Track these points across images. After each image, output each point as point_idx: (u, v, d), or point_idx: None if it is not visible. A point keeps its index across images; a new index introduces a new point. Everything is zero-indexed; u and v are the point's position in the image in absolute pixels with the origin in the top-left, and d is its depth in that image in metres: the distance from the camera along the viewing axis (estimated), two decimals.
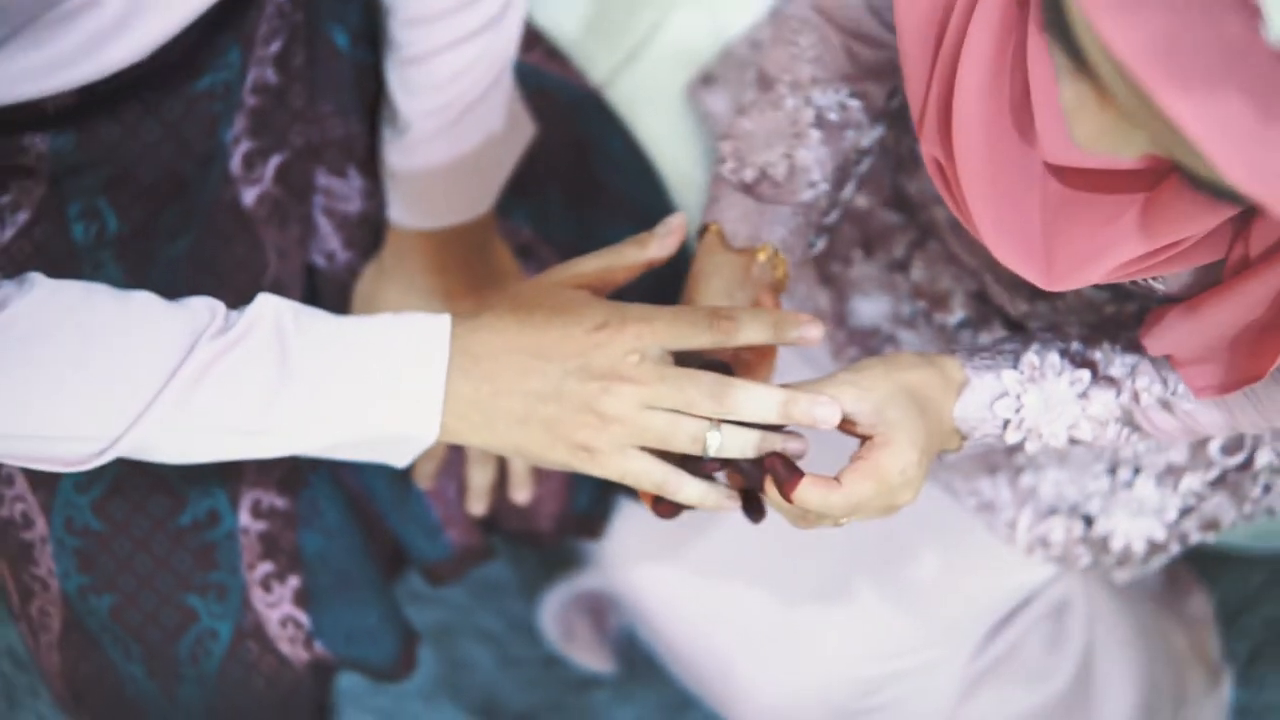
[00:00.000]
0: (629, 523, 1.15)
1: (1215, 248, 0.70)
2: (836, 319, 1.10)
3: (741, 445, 0.77)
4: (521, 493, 1.07)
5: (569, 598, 1.43)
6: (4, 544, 0.94)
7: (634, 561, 1.14)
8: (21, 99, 0.78)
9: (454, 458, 1.06)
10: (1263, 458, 1.01)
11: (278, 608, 0.98)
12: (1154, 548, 1.06)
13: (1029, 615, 1.13)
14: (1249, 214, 0.67)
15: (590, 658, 1.44)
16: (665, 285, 1.04)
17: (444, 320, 0.79)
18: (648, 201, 1.16)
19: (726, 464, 0.79)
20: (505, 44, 0.95)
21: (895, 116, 0.95)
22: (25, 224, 0.85)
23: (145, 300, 0.76)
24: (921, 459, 0.77)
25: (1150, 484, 1.03)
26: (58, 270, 0.78)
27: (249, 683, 0.98)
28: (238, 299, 0.79)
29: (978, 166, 0.70)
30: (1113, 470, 1.03)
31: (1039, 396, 0.81)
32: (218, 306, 0.77)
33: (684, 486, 0.78)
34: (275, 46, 0.93)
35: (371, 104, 1.00)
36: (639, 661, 1.42)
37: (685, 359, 0.80)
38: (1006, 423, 0.81)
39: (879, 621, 1.08)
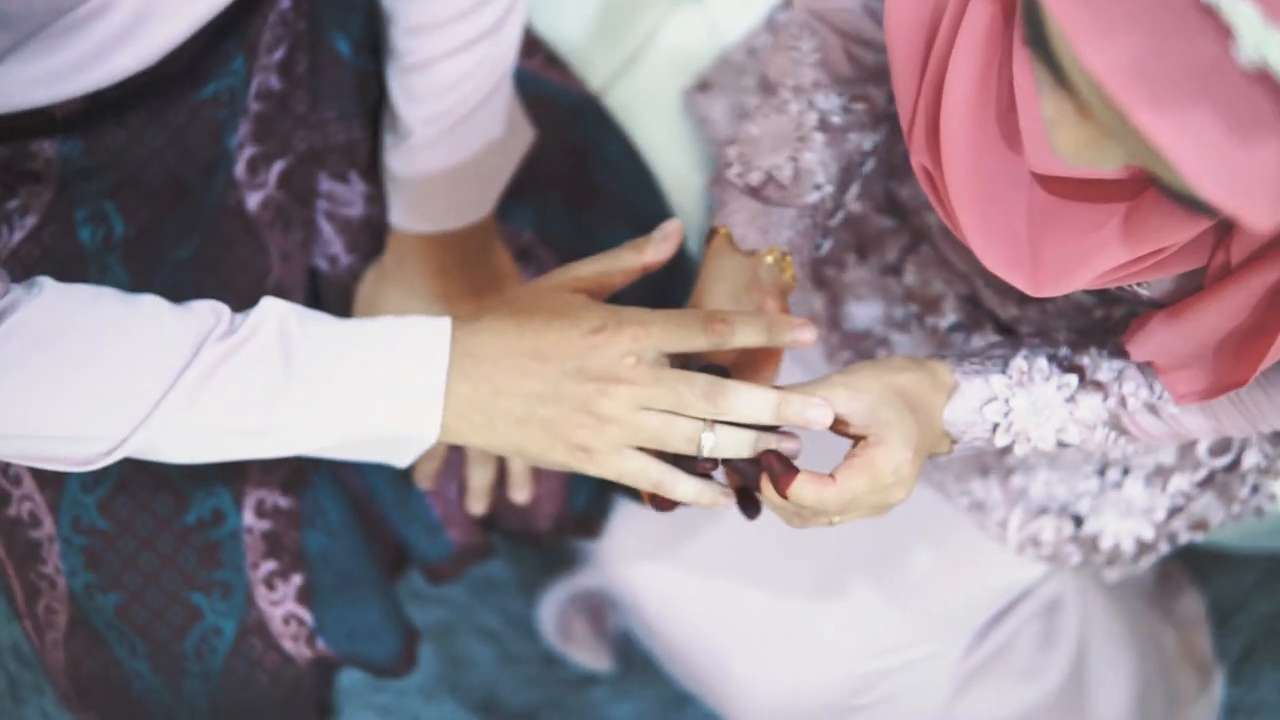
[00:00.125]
0: (626, 522, 1.16)
1: (1197, 255, 0.71)
2: (830, 322, 1.10)
3: (735, 445, 0.78)
4: (521, 493, 1.07)
5: (567, 596, 1.43)
6: (12, 542, 0.95)
7: (631, 560, 1.15)
8: (30, 105, 0.79)
9: (454, 458, 1.07)
10: (1250, 459, 1.02)
11: (281, 605, 0.98)
12: (1143, 547, 1.06)
13: (1021, 613, 1.14)
14: (1230, 222, 0.68)
15: (588, 656, 1.44)
16: (662, 289, 1.04)
17: (445, 323, 0.79)
18: (645, 206, 1.17)
19: (724, 463, 0.80)
20: (505, 51, 0.96)
21: (890, 123, 0.96)
22: (33, 227, 0.86)
23: (152, 303, 0.77)
24: (914, 458, 0.78)
25: (1139, 484, 1.03)
26: (65, 273, 0.78)
27: (252, 679, 0.98)
28: (241, 302, 0.80)
29: (965, 175, 0.71)
30: (1102, 471, 1.04)
31: (1027, 401, 0.81)
32: (223, 309, 0.78)
33: (680, 485, 0.79)
34: (279, 54, 0.93)
35: (373, 110, 1.01)
36: (637, 659, 1.42)
37: (687, 363, 0.81)
38: (995, 426, 0.82)
39: (873, 618, 1.09)
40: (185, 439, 0.77)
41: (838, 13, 0.88)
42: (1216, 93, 0.49)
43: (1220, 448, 1.02)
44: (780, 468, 0.77)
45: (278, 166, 0.96)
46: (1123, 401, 0.82)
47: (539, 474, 1.09)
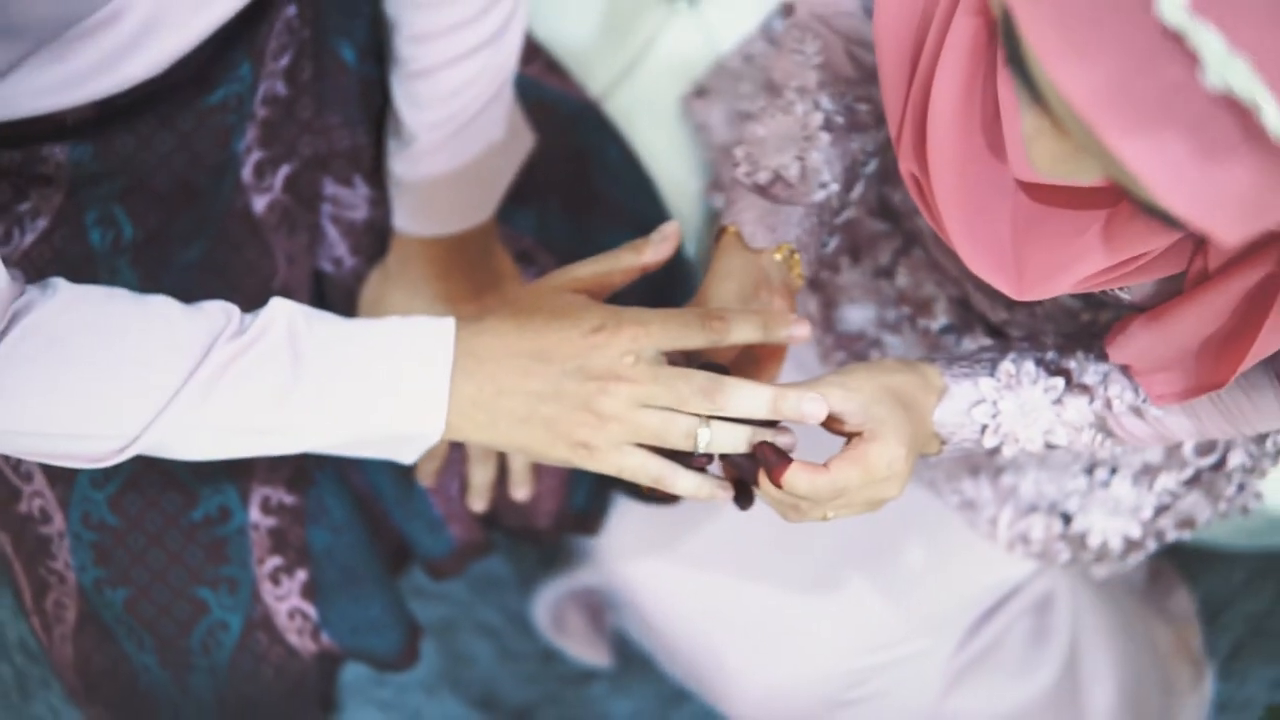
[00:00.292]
0: (625, 520, 1.16)
1: (1176, 261, 0.72)
2: (824, 324, 1.10)
3: (731, 440, 0.79)
4: (521, 490, 1.07)
5: (563, 591, 1.42)
6: (21, 538, 0.95)
7: (629, 557, 1.15)
8: (42, 112, 0.80)
9: (455, 456, 1.07)
10: (1235, 458, 1.03)
11: (286, 600, 0.99)
12: (1131, 545, 1.07)
13: (1011, 609, 1.14)
14: None
15: (584, 650, 1.44)
16: (660, 289, 1.05)
17: (449, 323, 0.80)
18: (644, 209, 1.17)
19: (721, 457, 0.81)
20: (506, 59, 0.96)
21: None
22: (45, 230, 0.87)
23: (164, 304, 0.77)
24: (907, 455, 0.79)
25: (1127, 483, 1.04)
26: (76, 274, 0.79)
27: (258, 673, 0.98)
28: (248, 303, 0.80)
29: (951, 182, 0.71)
30: (1090, 470, 1.04)
31: (1015, 403, 0.82)
32: (233, 310, 0.78)
33: (679, 480, 0.80)
34: (284, 61, 0.94)
35: (377, 116, 1.01)
36: (635, 655, 1.42)
37: (689, 363, 0.82)
38: (984, 428, 0.83)
39: (866, 614, 1.09)
40: (195, 437, 0.78)
41: (840, 16, 0.89)
42: (1184, 115, 0.50)
43: (1206, 447, 1.02)
44: (775, 458, 0.77)
45: (284, 171, 0.97)
46: (1108, 404, 0.83)
47: (539, 472, 1.09)
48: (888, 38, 0.75)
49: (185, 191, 0.91)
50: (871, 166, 0.92)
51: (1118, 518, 1.05)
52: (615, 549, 1.17)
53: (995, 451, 0.84)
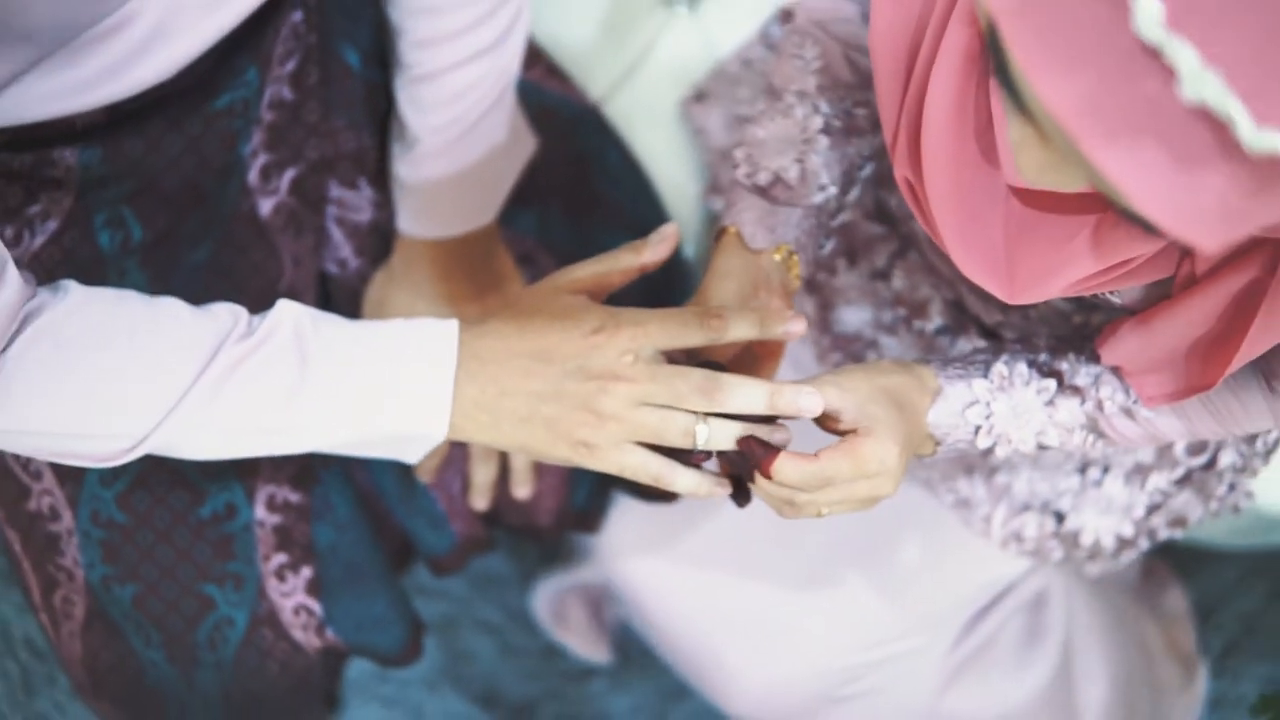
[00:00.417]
0: (625, 518, 1.17)
1: (1164, 265, 0.73)
2: (821, 325, 1.11)
3: (728, 437, 0.79)
4: (522, 489, 1.08)
5: (563, 586, 1.44)
6: (30, 536, 0.96)
7: (629, 555, 1.16)
8: (52, 116, 0.81)
9: (457, 454, 1.07)
10: (1226, 458, 1.03)
11: (291, 597, 0.99)
12: (1123, 543, 1.08)
13: (1006, 607, 1.15)
14: None
15: (584, 644, 1.44)
16: (658, 290, 1.06)
17: (452, 326, 0.81)
18: (643, 211, 1.17)
19: (719, 454, 0.82)
20: (509, 63, 0.97)
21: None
22: (54, 232, 0.87)
23: (173, 306, 0.78)
24: (900, 453, 0.79)
25: (1119, 482, 1.04)
26: (85, 276, 0.80)
27: (264, 668, 0.99)
28: (255, 304, 0.81)
29: (945, 188, 0.72)
30: (1083, 469, 1.05)
31: (1008, 404, 0.83)
32: (240, 312, 0.79)
33: (678, 478, 0.80)
34: (290, 66, 0.94)
35: (382, 120, 1.01)
36: (635, 652, 1.43)
37: (689, 363, 0.82)
38: (977, 429, 0.83)
39: (862, 611, 1.10)
40: (203, 436, 0.79)
41: (839, 22, 0.89)
42: (1161, 127, 0.52)
43: (1197, 447, 1.03)
44: (762, 450, 0.78)
45: (290, 174, 0.97)
46: (1100, 405, 0.84)
47: (540, 470, 1.10)
48: (883, 46, 0.76)
49: (193, 194, 0.92)
50: (868, 170, 0.93)
51: (1110, 516, 1.06)
52: (615, 547, 1.17)
53: (989, 452, 0.85)
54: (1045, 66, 0.53)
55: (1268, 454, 1.05)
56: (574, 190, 1.13)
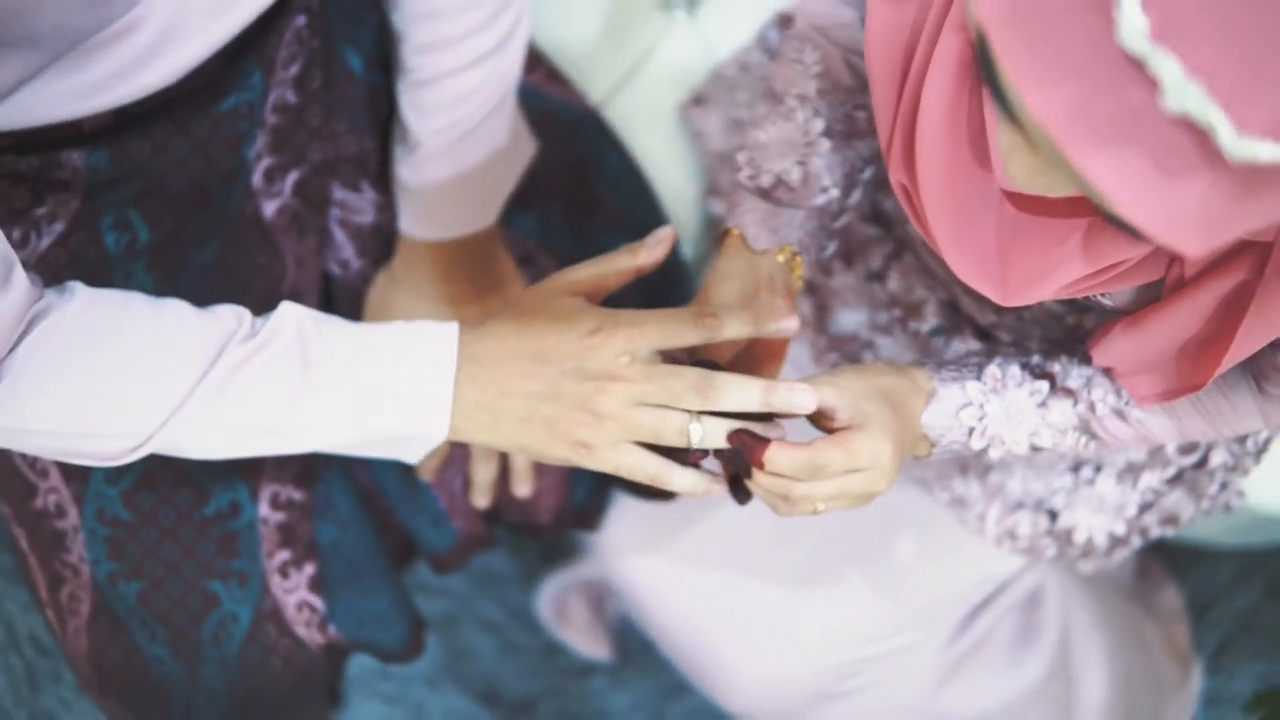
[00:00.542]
0: (624, 516, 1.17)
1: (1154, 268, 0.74)
2: (818, 326, 1.11)
3: (722, 434, 0.80)
4: (522, 487, 1.08)
5: (566, 584, 1.44)
6: (37, 533, 0.96)
7: (628, 552, 1.16)
8: (60, 119, 0.81)
9: (458, 452, 1.08)
10: (1217, 457, 1.04)
11: (294, 593, 1.00)
12: (1115, 541, 1.08)
13: (1001, 605, 1.15)
14: None
15: (585, 642, 1.45)
16: (656, 291, 1.06)
17: (452, 328, 0.81)
18: (642, 214, 1.17)
19: (716, 453, 0.82)
20: (510, 68, 0.97)
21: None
22: (61, 233, 0.88)
23: (178, 308, 0.79)
24: (894, 450, 0.80)
25: (1111, 481, 1.05)
26: (91, 277, 0.81)
27: (267, 664, 1.00)
28: (259, 304, 0.82)
29: (939, 193, 0.73)
30: (1076, 468, 1.05)
31: (1001, 406, 0.84)
32: (244, 314, 0.80)
33: (675, 477, 0.81)
34: (294, 69, 0.95)
35: (384, 123, 1.02)
36: (635, 649, 1.44)
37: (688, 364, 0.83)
38: (971, 430, 0.84)
39: (858, 608, 1.10)
40: (207, 436, 0.79)
41: (838, 28, 0.90)
42: (1146, 136, 0.53)
43: (1189, 446, 1.04)
44: (754, 442, 0.79)
45: (293, 176, 0.97)
46: (1092, 407, 0.84)
47: (540, 469, 1.10)
48: (878, 52, 0.76)
49: (198, 196, 0.92)
50: (869, 173, 0.93)
51: (1102, 515, 1.06)
52: (614, 545, 1.18)
53: (983, 453, 0.86)
54: (1033, 76, 0.54)
55: (1259, 453, 1.06)
56: (574, 193, 1.13)
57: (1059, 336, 0.93)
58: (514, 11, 0.95)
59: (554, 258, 1.10)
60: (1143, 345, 0.79)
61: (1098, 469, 1.05)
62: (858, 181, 0.93)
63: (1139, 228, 0.55)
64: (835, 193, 0.90)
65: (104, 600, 0.97)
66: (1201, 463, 1.05)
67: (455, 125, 0.97)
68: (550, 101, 1.14)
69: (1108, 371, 0.84)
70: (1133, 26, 0.51)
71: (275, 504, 0.99)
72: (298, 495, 1.00)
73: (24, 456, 0.95)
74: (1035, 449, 0.86)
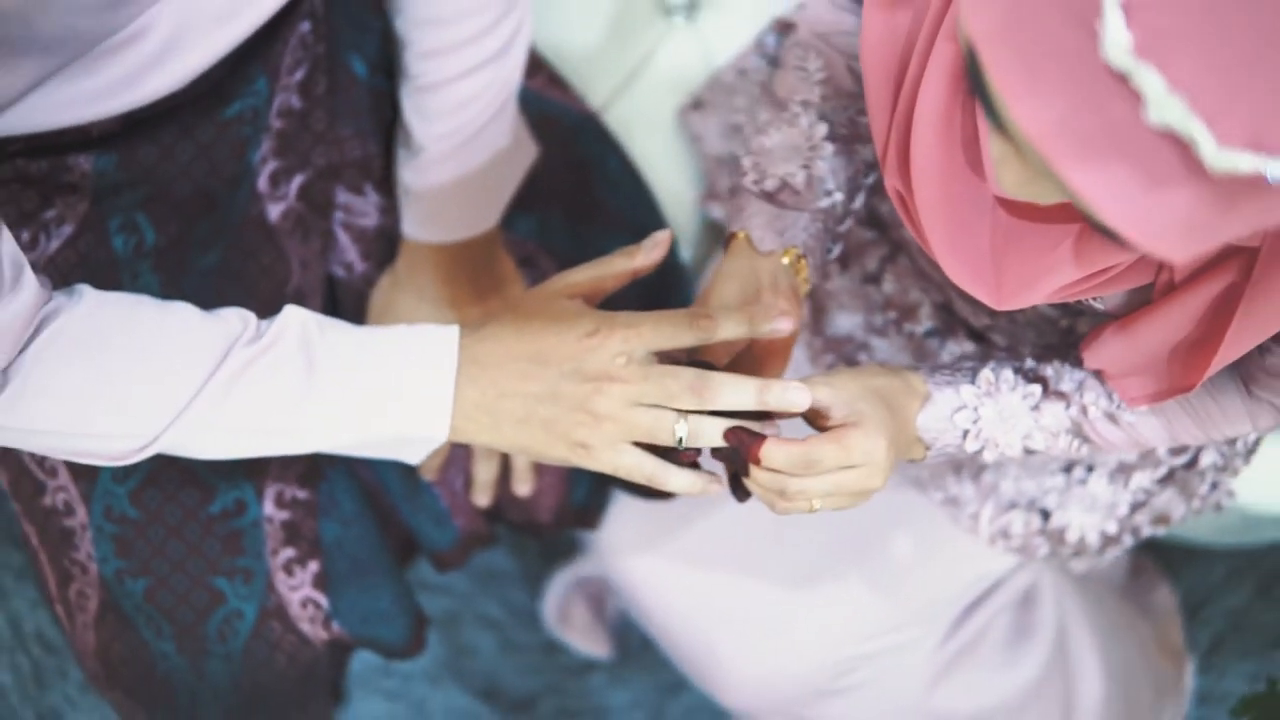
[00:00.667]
0: (623, 515, 1.18)
1: (1144, 273, 0.75)
2: (814, 328, 1.11)
3: (715, 433, 0.80)
4: (523, 486, 1.09)
5: (571, 583, 1.45)
6: (46, 530, 0.97)
7: (627, 551, 1.17)
8: (69, 124, 0.82)
9: (460, 452, 1.08)
10: (1207, 457, 1.05)
11: (299, 590, 1.00)
12: (1107, 540, 1.09)
13: (995, 603, 1.16)
14: None
15: (585, 641, 1.45)
16: (655, 292, 1.07)
17: (452, 331, 0.82)
18: (641, 217, 1.17)
19: (714, 452, 0.83)
20: (511, 73, 0.98)
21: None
22: (70, 236, 0.88)
23: (184, 311, 0.79)
24: (889, 449, 0.80)
25: (1103, 481, 1.05)
26: (99, 279, 0.81)
27: (272, 660, 1.00)
28: (264, 306, 0.83)
29: (934, 199, 0.74)
30: (1068, 468, 1.06)
31: (994, 409, 0.84)
32: (249, 316, 0.80)
33: (671, 477, 0.81)
34: (299, 75, 0.95)
35: (387, 127, 1.02)
36: (634, 647, 1.45)
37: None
38: (965, 433, 0.85)
39: (855, 606, 1.11)
40: (212, 437, 0.80)
41: (840, 34, 0.91)
42: (1129, 148, 0.54)
43: (1179, 447, 1.04)
44: (749, 438, 0.79)
45: (298, 180, 0.98)
46: (1084, 410, 0.85)
47: (540, 468, 1.11)
48: (873, 61, 0.77)
49: (204, 200, 0.93)
50: (872, 178, 0.94)
51: (1094, 514, 1.07)
52: (614, 543, 1.18)
53: (977, 455, 0.87)
54: (1020, 90, 0.55)
55: (1248, 454, 1.07)
56: (574, 196, 1.13)
57: (1052, 339, 0.94)
58: (516, 17, 0.96)
59: (554, 260, 1.10)
60: (1133, 348, 0.80)
61: (1090, 469, 1.06)
62: (861, 185, 0.93)
63: (1124, 236, 0.56)
64: (839, 196, 0.90)
65: (111, 597, 0.97)
66: (1192, 463, 1.05)
67: (458, 130, 0.98)
68: (551, 106, 1.14)
69: (1099, 375, 0.85)
70: (1117, 42, 0.53)
71: (280, 502, 0.99)
72: (302, 494, 1.01)
73: (33, 455, 0.95)
74: (1028, 451, 0.87)
